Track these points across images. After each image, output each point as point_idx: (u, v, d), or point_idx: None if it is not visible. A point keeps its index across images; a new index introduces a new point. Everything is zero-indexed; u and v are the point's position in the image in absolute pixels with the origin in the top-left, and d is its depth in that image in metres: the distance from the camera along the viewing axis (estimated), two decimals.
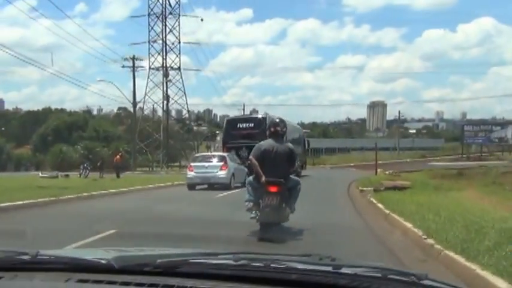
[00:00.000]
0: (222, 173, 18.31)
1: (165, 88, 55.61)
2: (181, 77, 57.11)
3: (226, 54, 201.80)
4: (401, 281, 1.26)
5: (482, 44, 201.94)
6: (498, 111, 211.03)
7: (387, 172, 26.13)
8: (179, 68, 58.23)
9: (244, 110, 62.79)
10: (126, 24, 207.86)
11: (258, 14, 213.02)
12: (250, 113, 37.62)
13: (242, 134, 23.41)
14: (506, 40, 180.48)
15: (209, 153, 22.19)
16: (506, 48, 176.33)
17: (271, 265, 1.30)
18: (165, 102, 55.11)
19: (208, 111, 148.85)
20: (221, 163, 18.63)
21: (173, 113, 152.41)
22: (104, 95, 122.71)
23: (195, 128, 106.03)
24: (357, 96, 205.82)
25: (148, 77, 56.70)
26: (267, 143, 7.15)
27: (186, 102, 59.19)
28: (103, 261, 1.35)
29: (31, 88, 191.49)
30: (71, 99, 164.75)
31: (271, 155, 6.98)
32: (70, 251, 2.37)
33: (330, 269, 1.28)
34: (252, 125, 23.63)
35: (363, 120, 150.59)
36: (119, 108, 49.99)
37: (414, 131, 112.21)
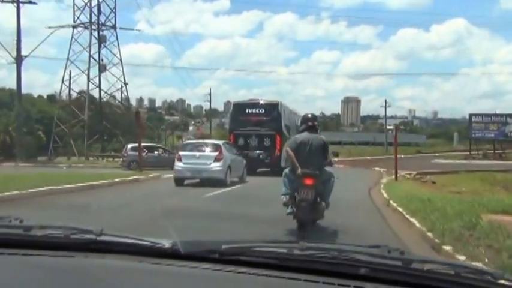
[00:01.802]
0: (216, 165, 15.40)
1: (95, 52, 42.79)
2: (116, 39, 44.69)
3: (202, 45, 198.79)
4: (475, 279, 1.18)
5: (454, 45, 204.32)
6: (468, 111, 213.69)
7: (407, 174, 20.12)
8: (114, 27, 44.39)
9: (210, 98, 60.03)
10: None
11: (236, 5, 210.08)
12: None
13: (252, 120, 21.04)
14: (477, 42, 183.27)
15: (201, 141, 19.22)
16: (477, 49, 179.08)
17: (339, 257, 1.25)
18: (90, 76, 42.37)
19: (182, 101, 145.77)
20: (215, 153, 15.68)
21: (146, 101, 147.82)
22: None
23: (167, 117, 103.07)
24: (330, 92, 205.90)
25: (72, 37, 43.10)
26: (303, 136, 7.30)
27: (123, 73, 45.48)
28: (169, 246, 1.32)
29: None
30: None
31: (307, 147, 7.14)
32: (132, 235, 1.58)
33: (399, 263, 1.22)
34: (262, 110, 21.24)
35: (337, 116, 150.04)
36: (80, 92, 45.05)
37: (391, 126, 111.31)
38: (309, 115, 7.73)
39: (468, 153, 42.60)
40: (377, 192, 13.72)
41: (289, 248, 1.35)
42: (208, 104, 62.47)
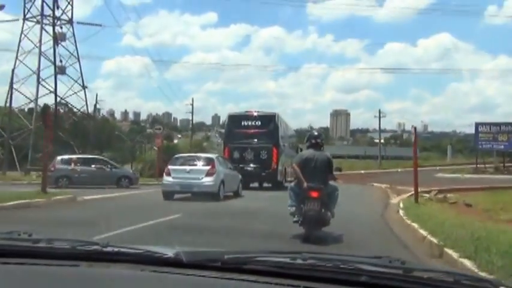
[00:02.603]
0: (208, 180, 14.21)
1: (51, 49, 38.09)
2: (73, 35, 40.02)
3: (189, 58, 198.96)
4: (474, 287, 1.20)
5: (441, 59, 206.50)
6: (457, 124, 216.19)
7: (424, 193, 15.75)
8: (71, 21, 39.90)
9: (192, 109, 58.22)
10: None
11: (223, 19, 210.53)
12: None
13: (248, 133, 20.00)
14: (463, 56, 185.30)
15: (193, 154, 17.94)
16: (463, 64, 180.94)
17: (341, 266, 1.26)
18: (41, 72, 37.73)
19: (168, 115, 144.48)
20: (207, 167, 14.50)
21: (131, 115, 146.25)
22: None
23: (149, 130, 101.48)
24: (319, 105, 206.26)
25: (22, 33, 38.78)
26: (308, 152, 7.75)
27: (81, 73, 40.89)
28: (171, 255, 1.35)
29: None
30: None
31: (312, 163, 7.54)
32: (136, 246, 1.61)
33: (400, 272, 1.23)
34: (259, 123, 20.24)
35: (326, 129, 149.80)
36: (57, 104, 42.37)
37: (383, 140, 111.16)
38: (315, 133, 8.41)
39: (475, 166, 38.50)
40: (399, 224, 9.28)
41: (291, 258, 1.34)
42: (195, 117, 61.09)
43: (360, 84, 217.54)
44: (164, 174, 14.90)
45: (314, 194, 7.26)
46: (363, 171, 44.05)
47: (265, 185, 20.37)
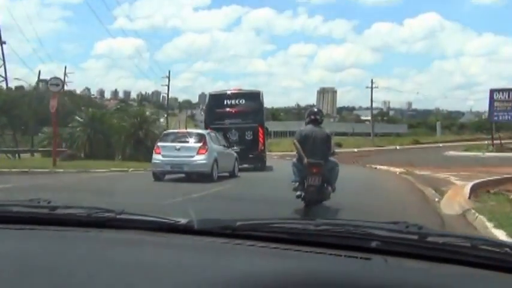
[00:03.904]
0: (199, 158, 13.16)
1: None
2: None
3: (180, 39, 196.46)
4: (493, 252, 1.15)
5: (427, 38, 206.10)
6: (440, 102, 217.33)
7: (463, 180, 11.62)
8: None
9: (169, 81, 55.91)
10: None
11: (216, 0, 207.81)
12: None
13: (231, 112, 18.59)
14: (449, 35, 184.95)
15: (184, 130, 16.89)
16: (448, 43, 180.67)
17: (352, 231, 1.23)
18: None
19: (157, 93, 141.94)
20: (199, 144, 13.46)
21: (121, 93, 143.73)
22: None
23: (135, 108, 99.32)
24: (307, 84, 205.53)
25: None
26: (307, 129, 7.90)
27: (2, 54, 39.68)
28: (183, 222, 1.34)
29: None
30: None
31: (311, 139, 7.73)
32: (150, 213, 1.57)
33: (415, 237, 1.18)
34: (243, 101, 18.84)
35: (312, 107, 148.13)
36: (40, 81, 39.84)
37: (369, 117, 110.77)
38: (315, 109, 8.55)
39: (489, 142, 31.91)
40: None
41: (303, 224, 1.34)
42: (184, 96, 59.43)
43: (347, 63, 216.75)
44: (154, 151, 13.95)
45: (314, 170, 7.46)
46: (355, 149, 40.15)
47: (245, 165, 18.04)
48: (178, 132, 15.36)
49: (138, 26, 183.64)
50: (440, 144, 42.03)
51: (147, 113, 28.98)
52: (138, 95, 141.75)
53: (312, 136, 7.71)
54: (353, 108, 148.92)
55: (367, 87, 60.23)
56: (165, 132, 15.28)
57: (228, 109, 18.70)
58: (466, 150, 31.86)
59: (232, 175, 14.77)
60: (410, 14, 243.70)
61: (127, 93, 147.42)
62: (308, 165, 7.45)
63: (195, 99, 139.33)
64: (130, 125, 26.79)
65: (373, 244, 1.16)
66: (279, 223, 1.36)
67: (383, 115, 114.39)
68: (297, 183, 7.58)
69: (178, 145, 13.56)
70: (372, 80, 60.00)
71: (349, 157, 28.55)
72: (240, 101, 18.88)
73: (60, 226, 1.39)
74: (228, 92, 19.72)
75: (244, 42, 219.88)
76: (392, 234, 1.21)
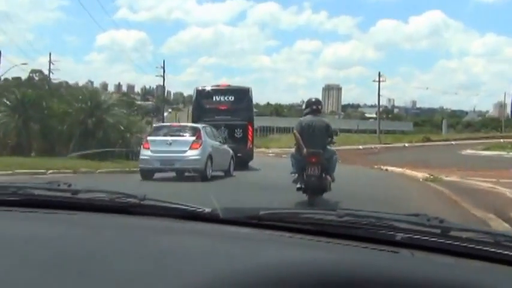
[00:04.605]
0: (192, 154, 12.19)
1: None
2: None
3: (185, 32, 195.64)
4: None
5: (431, 37, 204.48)
6: (444, 101, 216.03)
7: None
8: None
9: (164, 72, 54.55)
10: None
11: None
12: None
13: (219, 109, 17.91)
14: (453, 34, 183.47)
15: (176, 124, 15.87)
16: (453, 41, 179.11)
17: (376, 223, 1.23)
18: None
19: (161, 88, 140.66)
20: (192, 138, 12.50)
21: (124, 87, 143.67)
22: None
23: (138, 102, 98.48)
24: (312, 81, 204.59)
25: None
26: (307, 119, 7.92)
27: None
28: (208, 210, 1.33)
29: None
30: None
31: (311, 129, 7.75)
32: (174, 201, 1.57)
33: (438, 231, 1.17)
34: (232, 98, 18.15)
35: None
36: (32, 71, 39.19)
37: (374, 115, 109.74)
38: (313, 99, 8.34)
39: (505, 141, 30.58)
40: None
41: (326, 215, 1.34)
42: (189, 91, 58.26)
43: (352, 61, 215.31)
44: (142, 147, 13.01)
45: (313, 159, 7.45)
46: (361, 147, 37.94)
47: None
48: (170, 126, 14.42)
49: (141, 18, 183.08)
50: (453, 142, 39.29)
51: (104, 96, 22.38)
52: (142, 89, 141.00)
53: (312, 126, 7.72)
54: (358, 106, 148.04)
55: (374, 80, 58.50)
56: (155, 125, 14.33)
57: (216, 105, 18.05)
58: (486, 149, 29.39)
59: (227, 174, 13.69)
60: (415, 11, 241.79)
61: (130, 87, 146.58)
62: (307, 155, 7.45)
63: None
64: (78, 110, 20.16)
65: (398, 237, 1.15)
66: (304, 213, 1.38)
67: (388, 113, 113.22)
68: (296, 175, 7.58)
69: (169, 139, 12.60)
70: (379, 73, 58.35)
71: (353, 154, 25.55)
72: (230, 98, 18.24)
73: (83, 211, 1.38)
74: (217, 88, 19.08)
75: (249, 37, 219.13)
76: (415, 227, 1.19)
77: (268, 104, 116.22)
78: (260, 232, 1.24)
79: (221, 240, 1.16)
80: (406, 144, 40.14)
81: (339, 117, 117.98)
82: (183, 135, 12.79)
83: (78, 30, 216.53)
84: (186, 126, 14.04)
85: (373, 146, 37.11)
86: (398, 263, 1.06)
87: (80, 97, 21.06)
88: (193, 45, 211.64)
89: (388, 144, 42.36)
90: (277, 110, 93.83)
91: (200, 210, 1.34)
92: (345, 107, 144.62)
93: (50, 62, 43.57)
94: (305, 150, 7.49)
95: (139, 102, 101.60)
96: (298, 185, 7.50)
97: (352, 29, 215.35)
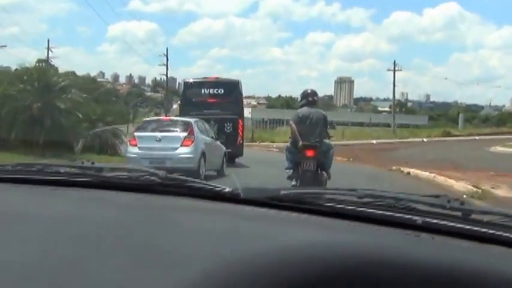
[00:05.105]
0: (184, 151, 11.01)
1: None
2: None
3: (196, 24, 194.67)
4: None
5: (446, 29, 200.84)
6: (459, 95, 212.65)
7: None
8: None
9: (167, 60, 51.61)
10: None
11: None
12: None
13: (208, 102, 17.01)
14: (468, 26, 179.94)
15: (166, 118, 14.53)
16: (468, 34, 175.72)
17: (396, 205, 1.21)
18: None
19: (173, 79, 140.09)
20: (183, 134, 11.28)
21: (136, 79, 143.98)
22: None
23: (148, 94, 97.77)
24: (324, 74, 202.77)
25: None
26: (304, 110, 7.65)
27: None
28: (229, 190, 1.33)
29: None
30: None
31: (307, 120, 7.49)
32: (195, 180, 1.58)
33: (459, 214, 1.15)
34: (221, 91, 17.27)
35: (330, 97, 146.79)
36: (39, 61, 38.21)
37: (387, 108, 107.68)
38: (309, 91, 8.04)
39: None
40: None
41: (347, 195, 1.33)
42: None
43: (365, 53, 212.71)
44: (129, 143, 11.76)
45: (309, 153, 7.27)
46: (374, 141, 34.05)
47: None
48: (159, 120, 13.04)
49: (153, 9, 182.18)
50: (477, 137, 34.84)
51: (56, 78, 18.55)
52: (152, 81, 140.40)
53: (309, 118, 7.51)
54: (370, 99, 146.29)
55: (388, 70, 56.02)
56: (144, 119, 12.95)
57: (205, 99, 17.16)
58: None
59: (220, 173, 12.37)
60: (430, 3, 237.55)
61: (142, 79, 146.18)
62: (303, 148, 7.27)
63: None
64: (22, 93, 16.76)
65: (419, 220, 1.13)
66: (324, 193, 1.36)
67: (401, 106, 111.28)
68: (291, 171, 7.41)
69: (159, 135, 11.34)
70: (394, 62, 55.86)
71: (366, 152, 21.83)
72: (219, 91, 17.32)
73: (109, 190, 1.39)
74: (205, 80, 18.23)
75: (261, 29, 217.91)
76: (435, 210, 1.17)
77: (279, 96, 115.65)
78: (281, 213, 1.23)
79: (241, 220, 1.17)
80: (425, 139, 36.11)
81: (351, 111, 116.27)
82: (173, 131, 11.58)
83: (89, 21, 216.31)
84: (177, 120, 12.71)
85: (388, 141, 33.62)
86: (420, 246, 1.04)
87: (25, 77, 17.60)
88: (204, 36, 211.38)
89: (405, 138, 38.43)
90: (288, 103, 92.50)
91: (221, 189, 1.34)
92: (357, 100, 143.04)
93: (48, 48, 42.17)
94: (300, 142, 7.28)
95: (149, 94, 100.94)
96: (293, 182, 7.28)
97: (365, 21, 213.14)
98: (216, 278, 0.82)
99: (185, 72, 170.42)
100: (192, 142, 11.13)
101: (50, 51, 43.14)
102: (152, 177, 1.42)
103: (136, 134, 11.68)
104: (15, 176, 1.46)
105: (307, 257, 0.89)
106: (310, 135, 7.35)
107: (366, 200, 1.23)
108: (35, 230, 0.96)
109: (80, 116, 17.43)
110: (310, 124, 7.45)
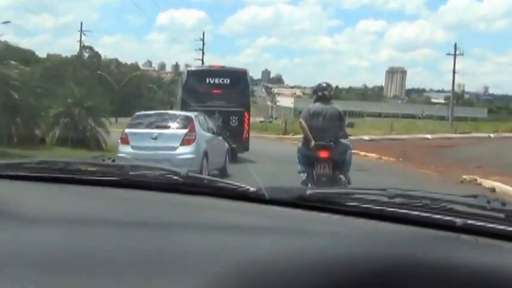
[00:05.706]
0: (185, 152, 9.38)
1: None
2: None
3: (243, 12, 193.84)
4: None
5: (508, 16, 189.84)
6: None
7: None
8: None
9: (203, 45, 50.82)
10: None
11: None
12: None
13: (213, 93, 15.61)
14: None
15: (162, 112, 12.59)
16: None
17: (432, 206, 1.16)
18: None
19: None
20: (183, 130, 9.64)
21: (182, 67, 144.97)
22: None
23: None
24: (375, 64, 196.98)
25: None
26: (316, 106, 7.13)
27: None
28: (254, 190, 1.32)
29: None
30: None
31: (320, 118, 6.94)
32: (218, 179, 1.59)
33: (501, 215, 1.10)
34: (227, 81, 15.80)
35: (380, 88, 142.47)
36: (83, 48, 37.91)
37: (441, 100, 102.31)
38: (323, 84, 7.46)
39: None
40: None
41: (377, 195, 1.28)
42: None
43: (419, 42, 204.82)
44: (119, 141, 10.07)
45: (323, 154, 6.74)
46: (429, 136, 29.02)
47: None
48: (155, 114, 11.17)
49: None
50: None
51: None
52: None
53: (322, 114, 6.96)
54: (423, 90, 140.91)
55: (448, 54, 51.80)
56: (137, 113, 11.12)
57: (210, 89, 15.71)
58: None
59: (223, 173, 10.61)
60: None
61: (188, 67, 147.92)
62: (315, 148, 6.74)
63: (256, 76, 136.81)
64: None
65: (459, 222, 1.08)
66: (352, 193, 1.32)
67: (458, 98, 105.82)
68: (305, 175, 6.87)
69: (155, 132, 9.69)
70: (455, 45, 51.76)
71: (420, 149, 17.29)
72: (225, 81, 15.81)
73: (136, 189, 1.37)
74: (210, 69, 16.93)
75: (310, 17, 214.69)
76: (475, 211, 1.12)
77: None
78: (307, 213, 1.22)
79: (272, 221, 1.16)
80: (492, 135, 30.92)
81: (402, 102, 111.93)
82: (171, 127, 9.93)
83: (138, 10, 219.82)
84: (175, 115, 10.90)
85: (445, 136, 28.72)
86: (461, 249, 1.02)
87: None
88: (252, 25, 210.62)
89: (466, 133, 33.36)
90: (335, 93, 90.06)
91: (246, 189, 1.33)
92: (408, 92, 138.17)
93: (81, 31, 41.47)
94: (313, 142, 6.74)
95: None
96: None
97: (420, 8, 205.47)
98: (249, 277, 0.82)
99: (231, 61, 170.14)
100: (193, 140, 9.52)
101: (88, 38, 42.84)
102: (175, 177, 1.40)
103: (127, 130, 9.98)
104: (41, 175, 1.44)
105: (335, 259, 0.87)
106: (323, 134, 6.79)
107: (397, 200, 1.18)
108: (63, 230, 0.97)
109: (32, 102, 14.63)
110: (324, 122, 6.89)
